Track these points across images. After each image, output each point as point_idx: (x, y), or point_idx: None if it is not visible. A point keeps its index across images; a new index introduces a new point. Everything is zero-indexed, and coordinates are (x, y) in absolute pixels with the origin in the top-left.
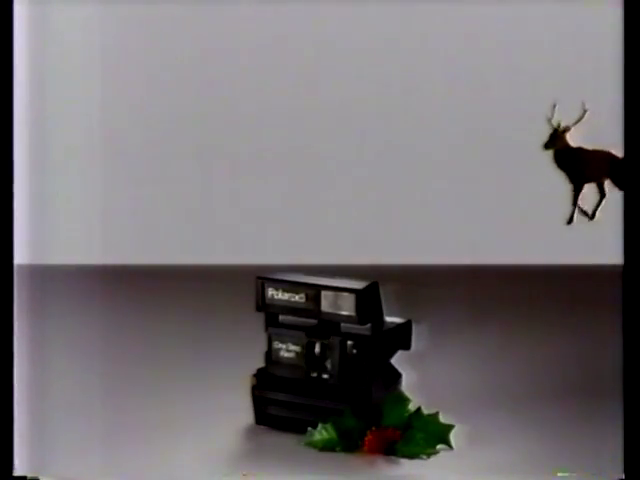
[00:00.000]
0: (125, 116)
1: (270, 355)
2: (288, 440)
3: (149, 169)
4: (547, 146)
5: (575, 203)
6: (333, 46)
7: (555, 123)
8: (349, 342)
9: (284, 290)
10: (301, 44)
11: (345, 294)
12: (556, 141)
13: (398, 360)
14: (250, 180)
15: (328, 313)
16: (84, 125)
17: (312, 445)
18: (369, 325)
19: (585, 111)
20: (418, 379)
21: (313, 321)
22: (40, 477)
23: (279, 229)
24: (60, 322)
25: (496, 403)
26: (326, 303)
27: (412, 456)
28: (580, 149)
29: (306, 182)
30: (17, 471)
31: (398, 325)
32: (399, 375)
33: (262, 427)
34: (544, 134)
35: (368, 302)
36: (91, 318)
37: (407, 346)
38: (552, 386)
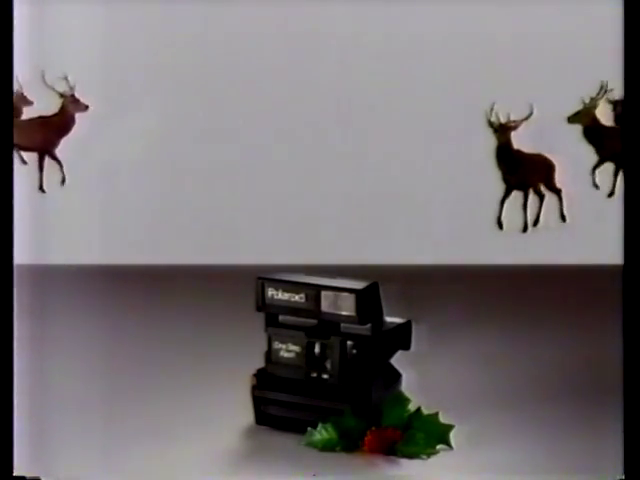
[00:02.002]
0: (125, 116)
1: (270, 355)
2: (288, 440)
3: (150, 169)
4: (499, 139)
5: (526, 208)
6: (326, 45)
7: (503, 118)
8: (349, 342)
9: (284, 290)
10: (295, 41)
11: (345, 294)
12: (497, 135)
13: (398, 360)
14: (250, 180)
15: (328, 313)
16: (84, 125)
17: (312, 445)
18: (369, 325)
19: (532, 111)
20: (418, 379)
21: (313, 321)
22: (40, 477)
23: (279, 229)
24: (60, 322)
25: (496, 403)
26: (326, 303)
27: (412, 456)
28: (519, 151)
29: (306, 182)
30: (17, 471)
31: (398, 325)
32: (399, 375)
33: (262, 427)
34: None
35: (368, 302)
36: (91, 318)
37: (407, 346)
38: (552, 386)
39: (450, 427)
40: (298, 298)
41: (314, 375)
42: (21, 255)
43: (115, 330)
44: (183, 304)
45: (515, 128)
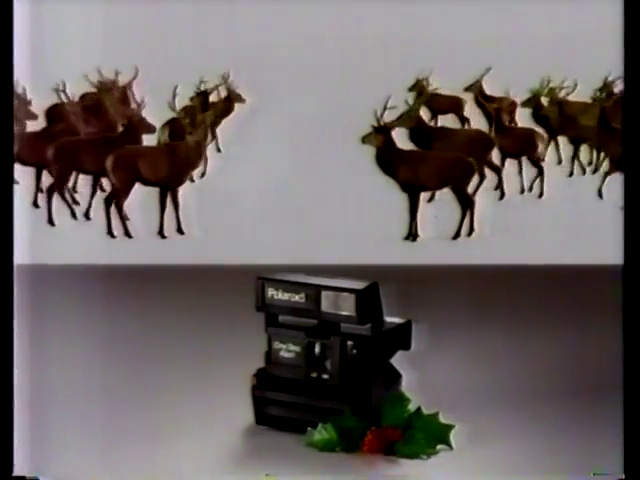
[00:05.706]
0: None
1: (270, 355)
2: (288, 440)
3: None
4: (364, 140)
5: (413, 214)
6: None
7: (383, 119)
8: (349, 342)
9: (284, 290)
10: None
11: (345, 294)
12: (372, 136)
13: (398, 360)
14: (251, 180)
15: (328, 313)
16: None
17: (312, 445)
18: (369, 325)
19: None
20: (418, 379)
21: (313, 321)
22: (40, 477)
23: (279, 229)
24: (60, 322)
25: (496, 403)
26: (326, 303)
27: (412, 456)
28: (412, 152)
29: (307, 182)
30: (17, 471)
31: (398, 325)
32: (399, 375)
33: (262, 427)
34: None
35: (368, 302)
36: (91, 318)
37: (407, 346)
38: (552, 387)
39: (450, 427)
40: (298, 298)
41: (314, 375)
42: (21, 255)
43: (115, 330)
44: (183, 304)
45: (393, 128)
